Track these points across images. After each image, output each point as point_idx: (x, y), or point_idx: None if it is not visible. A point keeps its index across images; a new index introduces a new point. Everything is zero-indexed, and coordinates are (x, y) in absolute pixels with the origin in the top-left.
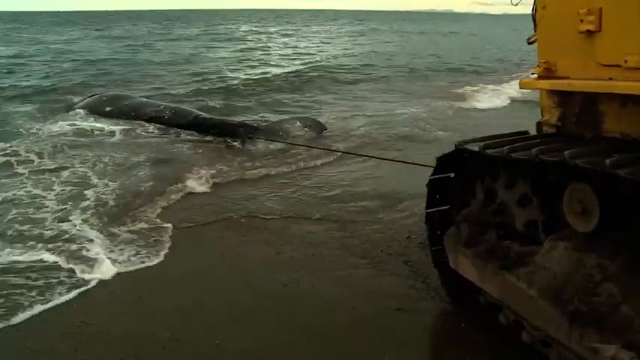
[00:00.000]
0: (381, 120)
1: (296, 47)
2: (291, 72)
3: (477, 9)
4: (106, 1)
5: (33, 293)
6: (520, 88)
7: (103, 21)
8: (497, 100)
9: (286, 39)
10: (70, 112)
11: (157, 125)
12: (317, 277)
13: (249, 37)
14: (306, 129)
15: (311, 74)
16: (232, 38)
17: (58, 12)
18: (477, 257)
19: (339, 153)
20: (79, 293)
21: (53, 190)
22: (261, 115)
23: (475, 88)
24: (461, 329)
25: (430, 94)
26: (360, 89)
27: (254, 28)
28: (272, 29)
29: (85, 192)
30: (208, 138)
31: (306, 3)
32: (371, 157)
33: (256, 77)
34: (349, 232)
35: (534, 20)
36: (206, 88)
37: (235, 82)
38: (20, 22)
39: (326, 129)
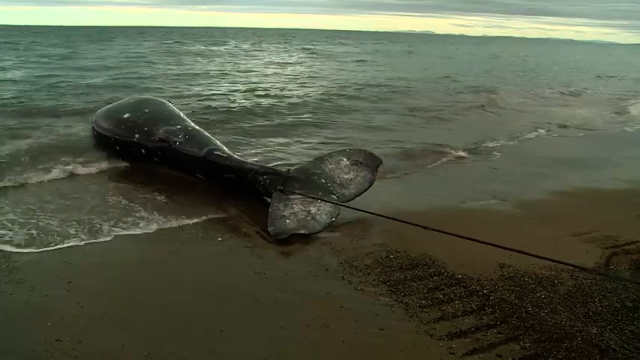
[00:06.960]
0: None
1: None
2: None
3: (457, 30)
4: (77, 19)
5: None
6: None
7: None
8: None
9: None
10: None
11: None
12: (294, 296)
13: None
14: (355, 168)
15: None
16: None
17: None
18: None
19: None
20: None
21: None
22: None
23: None
24: (440, 349)
25: None
26: None
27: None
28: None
29: None
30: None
31: (283, 22)
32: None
33: None
34: (327, 251)
35: None
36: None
37: None
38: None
39: (382, 162)
